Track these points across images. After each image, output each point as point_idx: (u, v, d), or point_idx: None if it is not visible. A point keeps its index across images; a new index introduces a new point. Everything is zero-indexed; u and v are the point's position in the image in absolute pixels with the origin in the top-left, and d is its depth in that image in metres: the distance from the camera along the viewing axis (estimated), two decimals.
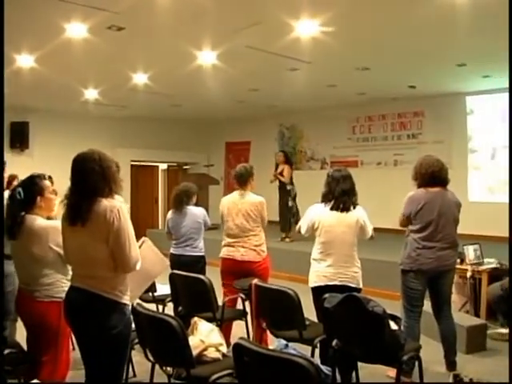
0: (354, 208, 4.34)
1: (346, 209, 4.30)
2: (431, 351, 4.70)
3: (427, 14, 5.52)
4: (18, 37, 6.36)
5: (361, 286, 4.36)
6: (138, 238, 3.14)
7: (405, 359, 3.68)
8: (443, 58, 7.69)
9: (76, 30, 6.04)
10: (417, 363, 3.84)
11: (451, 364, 4.61)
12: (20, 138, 12.03)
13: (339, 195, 4.31)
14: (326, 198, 4.40)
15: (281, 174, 10.36)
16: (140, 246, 3.46)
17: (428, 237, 4.49)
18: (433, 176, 4.53)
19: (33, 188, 3.56)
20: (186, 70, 7.93)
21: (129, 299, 3.12)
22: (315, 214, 4.43)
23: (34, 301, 3.49)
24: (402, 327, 3.94)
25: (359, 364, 4.03)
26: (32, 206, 3.53)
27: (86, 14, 5.55)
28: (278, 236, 10.22)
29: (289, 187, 10.33)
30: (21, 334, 3.82)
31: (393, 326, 3.64)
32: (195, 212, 5.81)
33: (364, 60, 7.87)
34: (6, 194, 3.79)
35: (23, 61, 7.42)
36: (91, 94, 10.18)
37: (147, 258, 3.35)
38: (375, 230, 4.56)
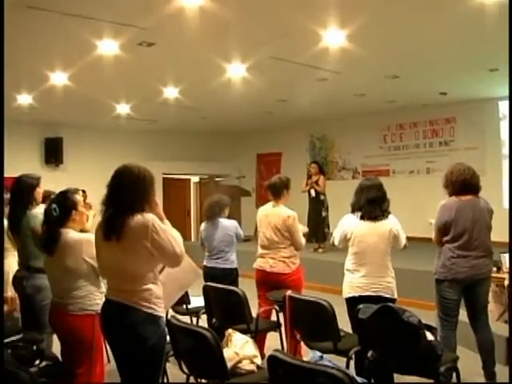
0: (386, 217, 4.31)
1: (374, 218, 4.28)
2: (469, 362, 4.60)
3: (457, 19, 5.48)
4: (52, 55, 6.52)
5: (395, 296, 4.31)
6: None
7: (442, 371, 3.61)
8: (475, 64, 7.60)
9: (108, 46, 6.17)
10: (454, 375, 3.77)
11: (491, 375, 4.49)
12: (54, 153, 12.29)
13: (365, 204, 4.30)
14: (353, 208, 4.42)
15: (316, 183, 10.33)
16: None
17: (463, 245, 4.41)
18: (464, 184, 4.45)
19: (66, 203, 3.60)
20: (215, 82, 8.01)
21: (163, 311, 3.13)
22: (348, 224, 4.42)
23: (68, 314, 3.51)
24: (438, 338, 3.87)
25: (395, 376, 3.98)
26: (67, 220, 3.59)
27: (116, 31, 5.66)
28: (310, 247, 10.17)
29: (322, 197, 10.31)
30: (57, 346, 3.86)
31: (429, 336, 3.58)
32: (226, 225, 5.82)
33: (393, 68, 7.83)
34: (42, 208, 3.87)
35: (57, 78, 7.60)
36: (123, 108, 10.35)
37: (180, 267, 3.34)
38: (408, 238, 4.52)
